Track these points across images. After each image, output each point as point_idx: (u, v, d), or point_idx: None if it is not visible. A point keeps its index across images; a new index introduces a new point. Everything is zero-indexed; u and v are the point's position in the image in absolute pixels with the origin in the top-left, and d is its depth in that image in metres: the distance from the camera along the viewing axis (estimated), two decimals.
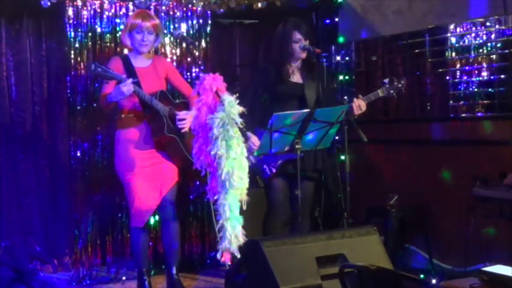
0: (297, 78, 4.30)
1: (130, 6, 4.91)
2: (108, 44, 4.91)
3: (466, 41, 4.85)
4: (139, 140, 4.09)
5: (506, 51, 4.57)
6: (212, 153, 3.55)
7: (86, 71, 4.81)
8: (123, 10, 4.91)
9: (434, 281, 4.27)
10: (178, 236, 4.35)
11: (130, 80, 3.85)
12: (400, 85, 4.33)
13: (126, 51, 4.32)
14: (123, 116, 4.14)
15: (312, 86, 4.26)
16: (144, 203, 4.08)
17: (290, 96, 4.22)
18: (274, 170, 4.17)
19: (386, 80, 4.36)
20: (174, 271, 4.27)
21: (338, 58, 5.78)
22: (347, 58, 5.77)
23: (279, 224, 4.27)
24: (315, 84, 4.26)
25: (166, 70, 4.29)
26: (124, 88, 3.80)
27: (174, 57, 5.09)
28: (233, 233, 3.59)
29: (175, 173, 4.22)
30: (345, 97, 4.45)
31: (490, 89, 4.72)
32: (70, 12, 4.77)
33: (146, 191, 4.09)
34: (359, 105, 4.18)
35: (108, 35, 4.91)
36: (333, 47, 5.78)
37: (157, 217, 4.66)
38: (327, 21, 5.76)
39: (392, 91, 4.33)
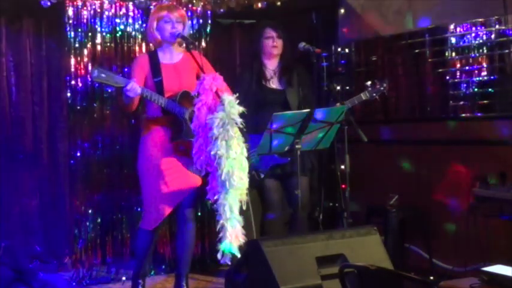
0: (275, 83, 4.32)
1: (131, 6, 4.91)
2: (108, 44, 4.92)
3: (466, 41, 4.85)
4: (160, 143, 3.96)
5: (506, 51, 4.57)
6: (212, 153, 3.55)
7: (86, 73, 4.81)
8: (123, 10, 4.91)
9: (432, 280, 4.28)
10: (193, 242, 4.18)
11: (132, 84, 3.70)
12: (382, 88, 4.40)
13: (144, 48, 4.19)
14: (147, 118, 4.03)
15: (292, 92, 4.31)
16: (159, 208, 3.94)
17: (272, 103, 4.24)
18: (262, 176, 4.19)
19: (368, 83, 4.43)
20: (184, 282, 4.13)
21: (338, 58, 5.78)
22: (347, 58, 5.77)
23: (277, 224, 4.28)
24: (296, 88, 4.31)
25: (197, 65, 3.96)
26: (129, 93, 3.70)
27: None
28: (233, 233, 3.59)
29: (197, 178, 4.00)
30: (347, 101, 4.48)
31: (490, 89, 4.72)
32: (70, 12, 4.77)
33: (163, 195, 3.93)
34: None
35: (108, 35, 4.91)
36: (333, 47, 5.78)
37: None
38: (327, 21, 5.76)
39: (374, 94, 4.40)
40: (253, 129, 3.88)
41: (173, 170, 3.96)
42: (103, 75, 3.62)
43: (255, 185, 4.21)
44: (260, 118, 3.92)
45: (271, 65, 4.33)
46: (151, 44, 4.44)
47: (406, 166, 5.09)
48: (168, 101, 3.87)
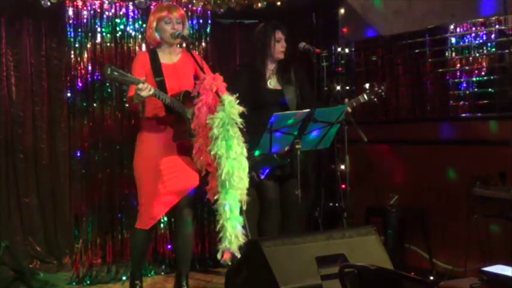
0: (274, 83, 4.32)
1: (131, 6, 4.91)
2: (108, 44, 4.92)
3: (466, 41, 4.85)
4: (162, 143, 3.91)
5: (506, 51, 4.58)
6: (212, 153, 3.56)
7: (86, 73, 4.81)
8: (123, 10, 4.92)
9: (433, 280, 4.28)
10: (192, 242, 4.18)
11: (146, 84, 3.62)
12: (380, 90, 4.40)
13: (144, 48, 4.16)
14: (146, 118, 3.97)
15: (290, 90, 4.30)
16: (155, 208, 3.92)
17: (271, 103, 4.23)
18: (262, 177, 4.19)
19: (367, 85, 4.43)
20: (184, 282, 4.09)
21: (338, 58, 5.78)
22: (347, 58, 5.78)
23: (273, 223, 4.28)
24: (293, 87, 4.30)
25: (195, 65, 3.97)
26: (142, 93, 3.60)
27: None
28: (233, 233, 3.59)
29: (196, 179, 4.00)
30: (346, 99, 4.49)
31: (490, 89, 4.72)
32: (70, 12, 4.77)
33: (160, 195, 3.90)
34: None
35: (108, 35, 4.91)
36: (333, 47, 5.78)
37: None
38: (327, 21, 5.76)
39: (372, 96, 4.40)
40: (252, 129, 3.87)
41: (172, 170, 3.93)
42: (116, 73, 3.53)
43: (254, 184, 4.22)
44: (259, 118, 3.92)
45: (272, 65, 4.32)
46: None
47: (407, 167, 5.10)
48: (173, 101, 3.82)
